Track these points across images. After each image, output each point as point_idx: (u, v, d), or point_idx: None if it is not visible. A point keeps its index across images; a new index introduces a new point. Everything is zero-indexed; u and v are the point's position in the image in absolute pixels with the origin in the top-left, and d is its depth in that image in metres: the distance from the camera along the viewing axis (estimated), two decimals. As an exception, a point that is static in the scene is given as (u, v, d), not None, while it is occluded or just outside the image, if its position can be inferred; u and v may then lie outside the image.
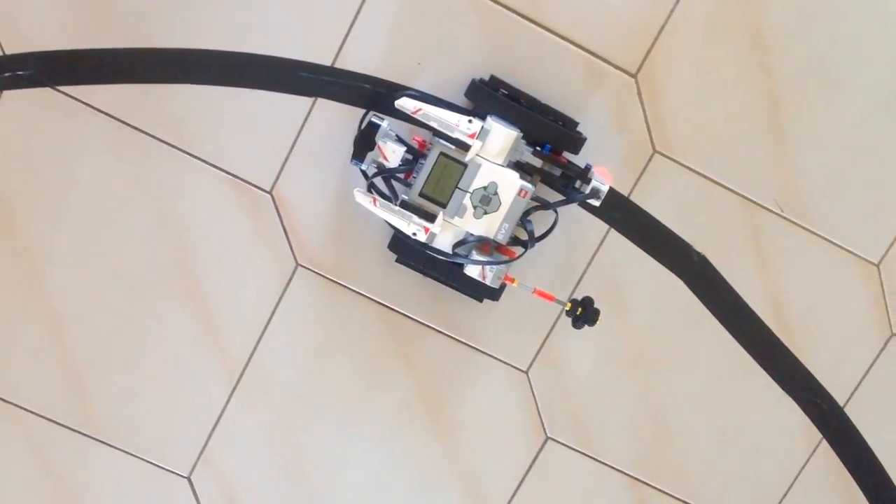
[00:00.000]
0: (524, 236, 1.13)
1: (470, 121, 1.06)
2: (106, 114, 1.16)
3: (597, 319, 1.11)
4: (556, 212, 1.12)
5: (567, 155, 1.13)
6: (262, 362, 1.24)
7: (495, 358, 1.25)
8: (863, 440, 1.27)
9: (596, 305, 1.12)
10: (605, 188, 1.10)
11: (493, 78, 1.14)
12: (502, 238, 1.09)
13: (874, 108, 1.20)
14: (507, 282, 1.12)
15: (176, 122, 1.17)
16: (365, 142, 1.09)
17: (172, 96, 1.16)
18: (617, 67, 1.17)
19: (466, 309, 1.23)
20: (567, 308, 1.12)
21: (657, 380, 1.26)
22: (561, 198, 1.12)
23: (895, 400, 1.26)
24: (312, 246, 1.21)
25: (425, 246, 1.09)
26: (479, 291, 1.17)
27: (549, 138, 1.11)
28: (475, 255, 1.09)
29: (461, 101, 1.14)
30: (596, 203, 1.11)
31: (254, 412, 1.25)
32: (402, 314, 1.23)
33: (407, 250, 1.14)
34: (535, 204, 1.11)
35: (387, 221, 1.08)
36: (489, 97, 1.11)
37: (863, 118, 1.20)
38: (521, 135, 1.08)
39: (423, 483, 1.28)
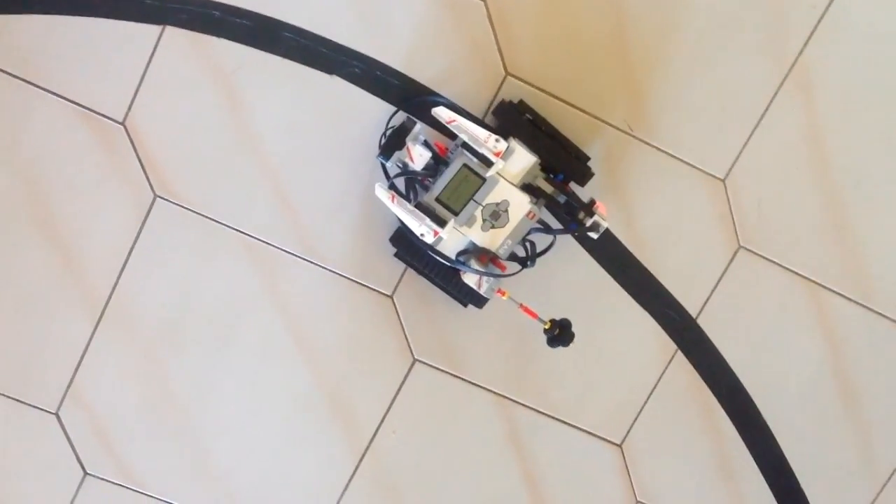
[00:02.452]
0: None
1: (497, 140, 1.10)
2: (-54, 45, 1.14)
3: (571, 342, 1.16)
4: (554, 237, 1.18)
5: (572, 185, 1.20)
6: (125, 295, 1.24)
7: (360, 283, 1.27)
8: (715, 349, 1.33)
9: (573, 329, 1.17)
10: (604, 224, 1.16)
11: (521, 102, 1.19)
12: (503, 253, 1.14)
13: (716, 25, 1.23)
14: (498, 294, 1.16)
15: (21, 53, 1.15)
16: (395, 140, 1.13)
17: (16, 27, 1.14)
18: (465, -9, 1.19)
19: (329, 234, 1.25)
20: (546, 327, 1.16)
21: (517, 298, 1.29)
22: (559, 226, 1.19)
23: (744, 310, 1.32)
24: (170, 177, 1.21)
25: (431, 248, 1.13)
26: (468, 297, 1.22)
27: (563, 168, 1.17)
28: (474, 265, 1.12)
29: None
30: (594, 236, 1.16)
31: (120, 345, 1.25)
32: (264, 242, 1.24)
33: (408, 247, 1.18)
34: (538, 226, 1.16)
35: (398, 218, 1.12)
36: (516, 120, 1.17)
37: (705, 36, 1.24)
38: (539, 161, 1.13)
39: (294, 409, 1.30)
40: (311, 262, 1.26)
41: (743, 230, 1.30)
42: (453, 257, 1.14)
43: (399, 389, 1.31)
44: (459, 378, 1.31)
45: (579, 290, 1.29)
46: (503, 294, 1.16)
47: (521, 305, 1.17)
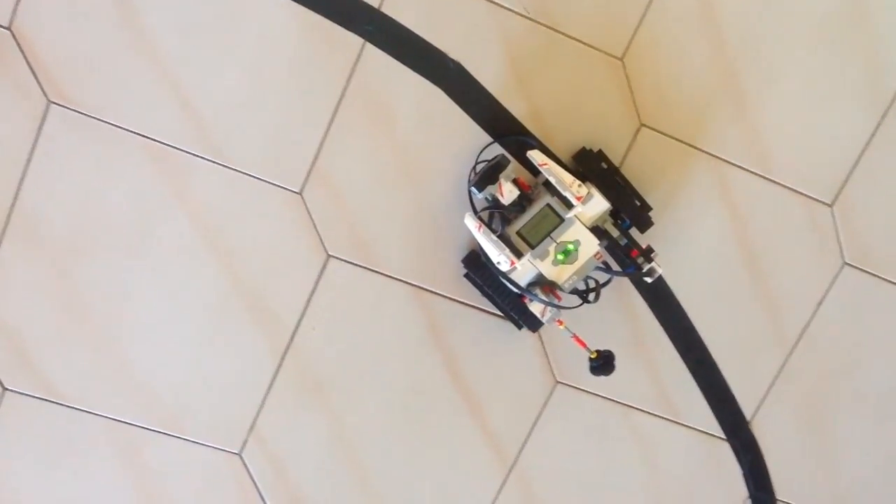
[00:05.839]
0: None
1: (580, 185, 1.20)
2: None
3: (611, 373, 1.26)
4: (611, 276, 1.28)
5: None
6: (29, 206, 1.22)
7: (268, 182, 1.27)
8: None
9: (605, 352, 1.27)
10: (659, 271, 1.27)
11: (600, 151, 1.29)
12: (568, 287, 1.25)
13: None
14: (557, 324, 1.26)
15: None
16: (489, 174, 1.22)
17: None
18: None
19: (233, 134, 1.24)
20: (593, 356, 1.25)
21: (427, 187, 1.30)
22: (617, 267, 1.30)
23: (649, 185, 1.34)
24: (64, 81, 1.19)
25: (503, 275, 1.23)
26: (526, 321, 1.30)
27: (630, 216, 1.28)
28: (540, 294, 1.22)
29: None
30: (649, 280, 1.28)
31: (29, 257, 1.24)
32: (167, 145, 1.23)
33: (479, 270, 1.28)
34: (601, 266, 1.25)
35: (480, 246, 1.23)
36: (595, 168, 1.28)
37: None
38: (611, 208, 1.24)
39: (212, 313, 1.30)
40: (217, 163, 1.25)
41: (643, 108, 1.32)
42: (523, 286, 1.22)
43: (315, 286, 1.32)
44: (375, 272, 1.33)
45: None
46: (561, 324, 1.26)
47: (573, 336, 1.25)
